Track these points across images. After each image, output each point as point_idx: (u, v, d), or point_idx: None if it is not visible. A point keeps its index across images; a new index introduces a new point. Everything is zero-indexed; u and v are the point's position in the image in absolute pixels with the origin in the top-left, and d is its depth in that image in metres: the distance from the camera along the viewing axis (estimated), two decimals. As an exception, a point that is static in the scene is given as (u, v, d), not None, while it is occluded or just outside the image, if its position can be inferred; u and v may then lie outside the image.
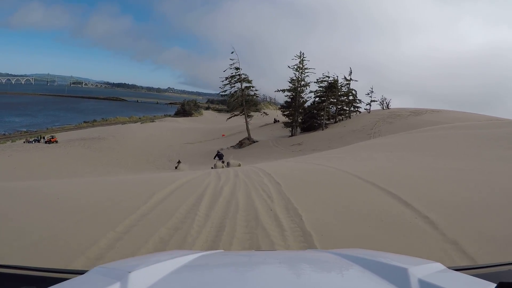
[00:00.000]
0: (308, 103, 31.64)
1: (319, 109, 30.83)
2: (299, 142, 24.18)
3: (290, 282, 0.72)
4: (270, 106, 63.52)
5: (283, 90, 32.08)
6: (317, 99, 31.32)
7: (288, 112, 32.37)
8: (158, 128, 38.94)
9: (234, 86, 31.94)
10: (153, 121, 45.98)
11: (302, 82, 31.72)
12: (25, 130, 33.54)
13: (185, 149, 28.72)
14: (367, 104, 31.26)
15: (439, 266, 0.78)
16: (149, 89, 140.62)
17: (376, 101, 31.64)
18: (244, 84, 31.94)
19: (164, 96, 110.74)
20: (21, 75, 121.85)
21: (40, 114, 50.70)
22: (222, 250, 1.37)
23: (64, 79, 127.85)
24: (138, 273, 0.69)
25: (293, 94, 31.44)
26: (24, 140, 26.75)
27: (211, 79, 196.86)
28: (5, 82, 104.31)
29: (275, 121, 40.48)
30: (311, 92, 31.55)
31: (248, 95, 32.39)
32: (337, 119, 31.21)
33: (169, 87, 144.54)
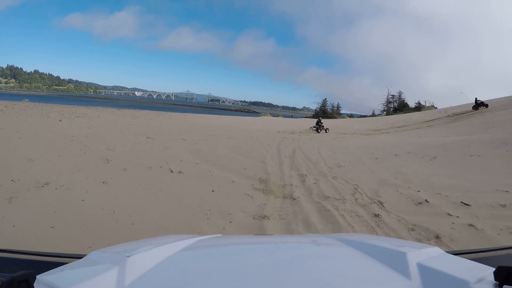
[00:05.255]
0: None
1: None
2: None
3: (289, 266, 0.70)
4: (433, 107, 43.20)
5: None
6: None
7: None
8: (281, 121, 22.32)
9: None
10: (277, 116, 30.20)
11: None
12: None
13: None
14: None
15: (438, 250, 0.76)
16: (285, 108, 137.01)
17: None
18: None
19: (299, 114, 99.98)
20: (163, 92, 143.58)
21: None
22: (221, 235, 1.21)
23: (202, 96, 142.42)
24: (136, 257, 0.68)
25: None
26: None
27: (347, 98, 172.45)
28: (147, 96, 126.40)
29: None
30: None
31: None
32: None
33: (304, 107, 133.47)
